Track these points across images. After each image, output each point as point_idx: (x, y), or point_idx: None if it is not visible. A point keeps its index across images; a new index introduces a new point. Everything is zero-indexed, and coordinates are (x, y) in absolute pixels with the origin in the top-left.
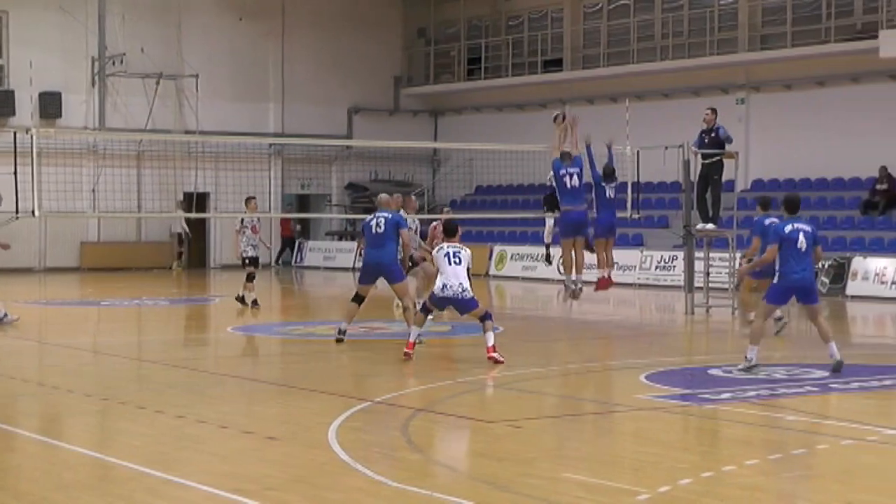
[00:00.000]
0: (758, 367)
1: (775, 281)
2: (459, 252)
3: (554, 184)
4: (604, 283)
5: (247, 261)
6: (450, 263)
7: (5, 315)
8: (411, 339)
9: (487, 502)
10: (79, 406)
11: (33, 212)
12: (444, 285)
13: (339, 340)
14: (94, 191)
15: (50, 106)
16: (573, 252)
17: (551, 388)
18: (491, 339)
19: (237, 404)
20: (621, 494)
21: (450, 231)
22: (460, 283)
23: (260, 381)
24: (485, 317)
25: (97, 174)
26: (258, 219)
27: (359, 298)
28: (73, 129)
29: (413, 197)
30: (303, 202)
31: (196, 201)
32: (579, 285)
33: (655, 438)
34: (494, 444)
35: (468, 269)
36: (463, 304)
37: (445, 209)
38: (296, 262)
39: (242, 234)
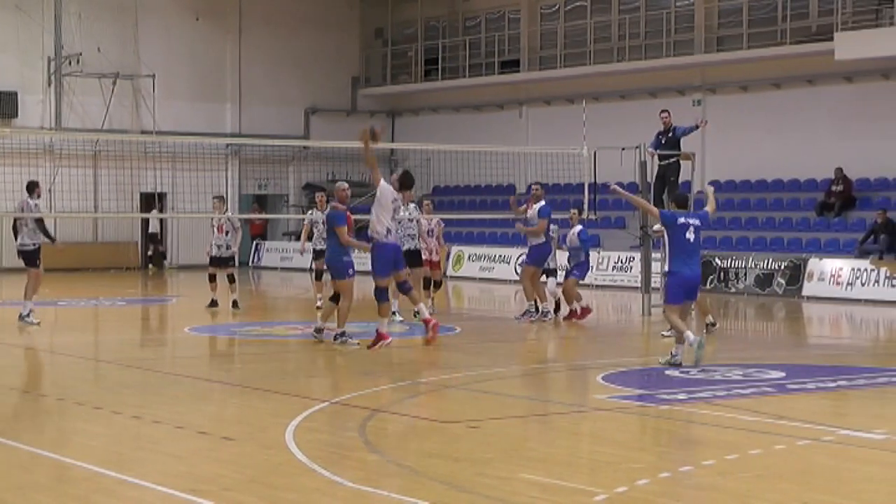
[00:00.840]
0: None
1: (668, 279)
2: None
3: (547, 225)
4: (584, 313)
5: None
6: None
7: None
8: (383, 331)
9: (444, 502)
10: (35, 406)
11: None
12: (389, 230)
13: (317, 335)
14: (50, 191)
15: (6, 106)
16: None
17: (509, 388)
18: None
19: (193, 404)
20: (578, 495)
21: (406, 184)
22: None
23: (216, 381)
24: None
25: (53, 174)
26: (225, 219)
27: (336, 297)
28: (29, 128)
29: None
30: (260, 203)
31: (154, 202)
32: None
33: (612, 439)
34: (451, 445)
35: None
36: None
37: (426, 203)
38: (253, 262)
39: (211, 235)
